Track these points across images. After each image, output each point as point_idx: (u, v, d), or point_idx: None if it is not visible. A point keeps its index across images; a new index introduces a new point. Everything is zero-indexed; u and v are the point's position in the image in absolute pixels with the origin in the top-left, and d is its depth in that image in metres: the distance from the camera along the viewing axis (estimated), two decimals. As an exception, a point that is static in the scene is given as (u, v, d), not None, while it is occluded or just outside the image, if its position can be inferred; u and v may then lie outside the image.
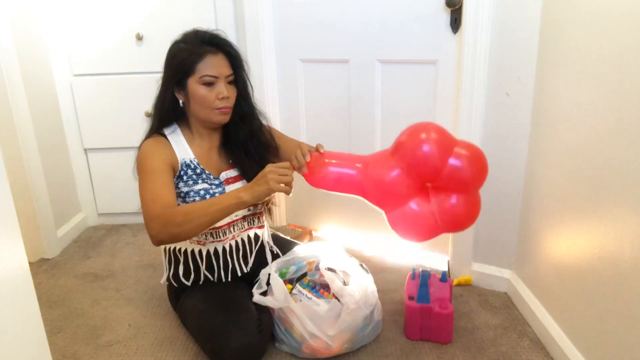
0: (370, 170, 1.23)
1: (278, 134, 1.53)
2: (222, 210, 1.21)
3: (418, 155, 1.15)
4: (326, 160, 1.27)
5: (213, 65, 1.31)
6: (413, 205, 1.21)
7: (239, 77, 1.38)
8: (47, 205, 2.02)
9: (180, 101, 1.37)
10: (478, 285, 1.73)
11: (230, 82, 1.35)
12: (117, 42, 2.10)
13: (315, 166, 1.25)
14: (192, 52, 1.31)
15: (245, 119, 1.43)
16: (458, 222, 1.22)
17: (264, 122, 1.49)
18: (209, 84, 1.31)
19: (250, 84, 1.43)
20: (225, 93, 1.32)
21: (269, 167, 1.20)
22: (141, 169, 1.32)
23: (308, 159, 1.25)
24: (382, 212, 1.28)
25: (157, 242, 1.25)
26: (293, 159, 1.26)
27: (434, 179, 1.18)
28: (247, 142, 1.44)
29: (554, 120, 1.34)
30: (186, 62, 1.31)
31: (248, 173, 1.42)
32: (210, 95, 1.32)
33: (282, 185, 1.18)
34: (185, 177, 1.36)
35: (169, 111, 1.38)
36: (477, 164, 1.17)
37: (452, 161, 1.14)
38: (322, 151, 1.29)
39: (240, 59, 1.37)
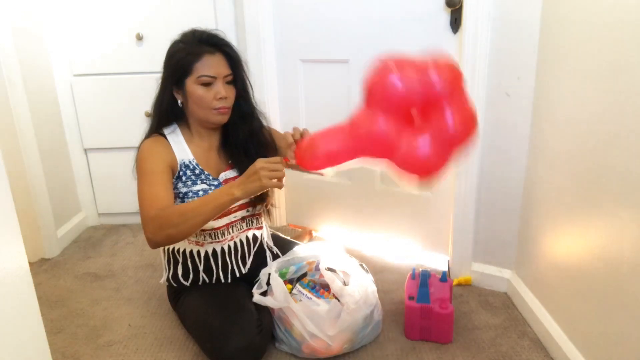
0: (356, 132, 1.17)
1: (277, 134, 1.53)
2: (216, 208, 1.20)
3: (389, 89, 1.09)
4: (314, 148, 1.22)
5: (211, 65, 1.30)
6: (414, 139, 1.12)
7: (237, 77, 1.37)
8: (47, 205, 2.02)
9: (179, 101, 1.36)
10: (478, 285, 1.73)
11: (229, 82, 1.35)
12: (117, 42, 2.10)
13: (305, 151, 1.22)
14: (189, 52, 1.30)
15: (245, 119, 1.43)
16: (466, 125, 1.12)
17: (264, 122, 1.48)
18: (207, 84, 1.31)
19: (250, 84, 1.43)
20: (223, 93, 1.32)
21: (260, 163, 1.17)
22: (140, 170, 1.32)
23: (297, 137, 1.23)
24: (386, 161, 1.19)
25: (154, 244, 1.25)
26: (289, 153, 1.25)
27: (415, 104, 1.12)
28: (247, 143, 1.43)
29: (554, 120, 1.34)
30: (184, 62, 1.30)
31: None
32: (207, 95, 1.31)
33: (274, 180, 1.17)
34: (184, 178, 1.36)
35: (167, 111, 1.37)
36: (450, 72, 1.11)
37: (428, 77, 1.08)
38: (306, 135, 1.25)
39: (239, 59, 1.37)
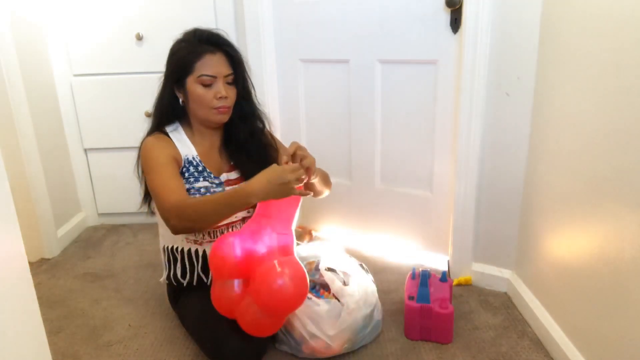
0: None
1: (279, 143, 1.53)
2: (233, 211, 1.24)
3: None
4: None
5: (211, 65, 1.31)
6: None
7: (238, 77, 1.37)
8: (47, 205, 2.02)
9: (180, 100, 1.37)
10: (478, 285, 1.73)
11: (229, 82, 1.35)
12: (117, 42, 2.10)
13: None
14: (190, 51, 1.31)
15: (246, 119, 1.43)
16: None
17: (266, 123, 1.48)
18: (207, 84, 1.31)
19: (252, 84, 1.43)
20: (223, 93, 1.32)
21: (286, 174, 1.16)
22: (148, 165, 1.32)
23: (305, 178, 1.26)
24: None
25: (176, 232, 1.29)
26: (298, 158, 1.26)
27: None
28: (248, 143, 1.44)
29: (554, 120, 1.34)
30: (184, 61, 1.31)
31: (249, 175, 1.42)
32: (208, 94, 1.32)
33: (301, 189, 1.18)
34: (187, 174, 1.36)
35: (168, 109, 1.38)
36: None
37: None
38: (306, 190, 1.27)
39: (240, 59, 1.37)
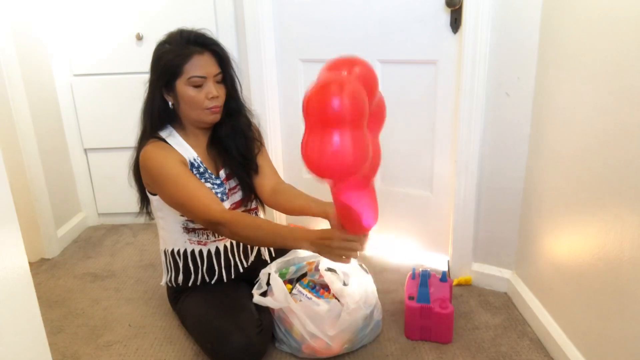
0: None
1: (266, 156, 1.52)
2: (282, 246, 1.25)
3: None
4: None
5: (200, 66, 1.29)
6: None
7: (227, 75, 1.36)
8: (47, 205, 2.02)
9: (170, 103, 1.35)
10: (478, 285, 1.73)
11: (218, 81, 1.34)
12: (117, 43, 2.10)
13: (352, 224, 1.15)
14: (178, 53, 1.28)
15: (231, 116, 1.42)
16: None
17: (252, 120, 1.48)
18: (198, 85, 1.29)
19: (239, 81, 1.41)
20: (214, 92, 1.30)
21: (337, 242, 1.14)
22: (161, 177, 1.30)
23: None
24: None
25: (224, 236, 1.38)
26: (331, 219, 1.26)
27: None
28: (235, 140, 1.43)
29: (554, 120, 1.34)
30: (173, 64, 1.28)
31: (235, 171, 1.43)
32: (199, 95, 1.30)
33: (343, 257, 1.16)
34: None
35: (159, 114, 1.35)
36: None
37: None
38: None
39: (228, 57, 1.36)
